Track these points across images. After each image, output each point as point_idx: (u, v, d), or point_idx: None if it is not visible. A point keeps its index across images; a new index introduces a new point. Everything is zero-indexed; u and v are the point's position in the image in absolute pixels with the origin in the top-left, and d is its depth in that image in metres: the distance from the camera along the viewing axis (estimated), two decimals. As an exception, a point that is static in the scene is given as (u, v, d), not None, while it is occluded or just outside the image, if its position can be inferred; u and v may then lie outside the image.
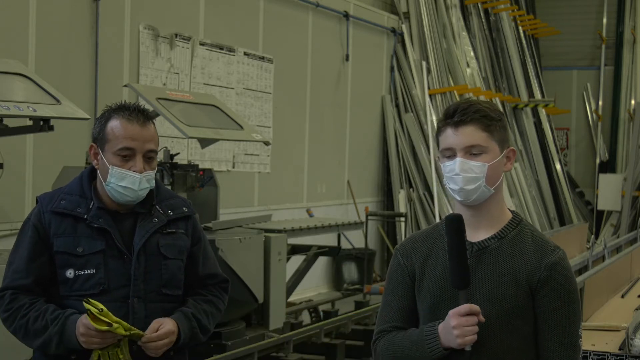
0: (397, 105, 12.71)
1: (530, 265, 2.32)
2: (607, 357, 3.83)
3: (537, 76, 15.94)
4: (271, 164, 9.97)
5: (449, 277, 2.31)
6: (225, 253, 5.80)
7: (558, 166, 15.41)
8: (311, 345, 6.96)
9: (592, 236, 8.54)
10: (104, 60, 7.56)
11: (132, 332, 2.62)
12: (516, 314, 2.30)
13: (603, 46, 16.37)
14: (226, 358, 5.76)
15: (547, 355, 2.32)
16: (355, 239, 10.95)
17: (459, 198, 2.36)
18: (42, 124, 5.07)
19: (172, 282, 2.80)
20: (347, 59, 11.59)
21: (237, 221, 6.75)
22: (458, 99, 12.59)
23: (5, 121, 4.97)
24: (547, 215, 14.79)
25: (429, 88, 12.68)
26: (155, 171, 2.78)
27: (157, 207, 2.82)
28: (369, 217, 10.66)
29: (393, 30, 12.78)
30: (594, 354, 3.85)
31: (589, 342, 3.99)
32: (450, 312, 2.26)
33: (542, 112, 15.51)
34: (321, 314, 8.32)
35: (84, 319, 2.59)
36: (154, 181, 2.78)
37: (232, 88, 9.36)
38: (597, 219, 15.58)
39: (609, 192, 15.00)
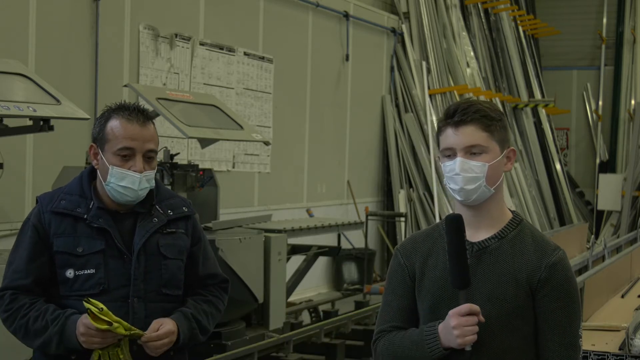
0: (397, 105, 12.71)
1: (531, 265, 2.32)
2: (607, 357, 3.83)
3: (537, 76, 15.95)
4: (271, 164, 9.97)
5: (449, 277, 2.31)
6: (225, 253, 5.80)
7: (558, 166, 15.41)
8: (311, 345, 6.96)
9: (592, 236, 8.54)
10: (104, 60, 7.56)
11: (132, 331, 2.62)
12: (516, 314, 2.30)
13: (603, 46, 16.37)
14: (226, 358, 5.76)
15: (547, 355, 2.32)
16: (355, 239, 10.95)
17: (459, 198, 2.36)
18: (42, 124, 5.07)
19: (172, 282, 2.80)
20: (347, 59, 11.59)
21: (237, 221, 6.74)
22: (458, 99, 12.59)
23: (5, 121, 4.97)
24: (547, 215, 14.79)
25: (429, 88, 12.68)
26: (155, 171, 2.78)
27: (157, 207, 2.82)
28: (369, 217, 10.65)
29: (393, 30, 12.78)
30: (594, 354, 3.84)
31: (589, 342, 3.99)
32: (451, 312, 2.26)
33: (542, 112, 15.51)
34: (321, 314, 8.32)
35: (84, 319, 2.59)
36: (153, 181, 2.78)
37: (232, 88, 9.36)
38: (597, 219, 15.58)
39: (609, 192, 15.00)
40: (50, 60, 7.04)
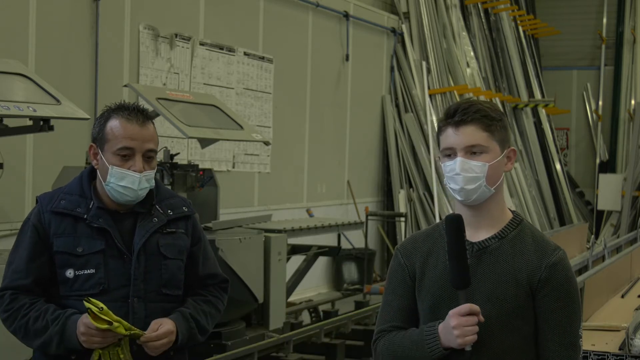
0: (397, 105, 12.71)
1: (531, 265, 2.32)
2: (607, 357, 3.83)
3: (537, 76, 15.95)
4: (271, 164, 9.97)
5: (449, 277, 2.31)
6: (225, 253, 5.80)
7: (558, 166, 15.41)
8: (311, 345, 6.96)
9: (592, 236, 8.54)
10: (104, 60, 7.56)
11: (132, 331, 2.62)
12: (516, 314, 2.30)
13: (603, 46, 16.37)
14: (226, 358, 5.75)
15: (547, 355, 2.32)
16: (355, 239, 10.95)
17: (459, 198, 2.36)
18: (42, 124, 5.07)
19: (172, 282, 2.80)
20: (347, 59, 11.59)
21: (237, 221, 6.74)
22: (458, 99, 12.59)
23: (5, 121, 4.97)
24: (547, 215, 14.79)
25: (429, 88, 12.68)
26: (154, 171, 2.78)
27: (157, 206, 2.82)
28: (369, 217, 10.65)
29: (393, 30, 12.78)
30: (594, 354, 3.84)
31: (589, 342, 3.99)
32: (451, 312, 2.26)
33: (542, 112, 15.51)
34: (321, 314, 8.32)
35: (85, 319, 2.59)
36: (153, 181, 2.78)
37: (232, 88, 9.35)
38: (597, 219, 15.58)
39: (609, 192, 15.00)
40: (50, 60, 7.04)
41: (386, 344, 2.40)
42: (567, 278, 2.33)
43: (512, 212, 2.44)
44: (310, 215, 10.39)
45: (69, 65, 7.27)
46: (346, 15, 11.50)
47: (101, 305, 2.56)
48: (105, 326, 2.56)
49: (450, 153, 2.35)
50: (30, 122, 5.19)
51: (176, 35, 8.43)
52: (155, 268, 2.76)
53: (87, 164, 5.56)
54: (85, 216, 2.73)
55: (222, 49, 9.14)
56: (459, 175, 2.32)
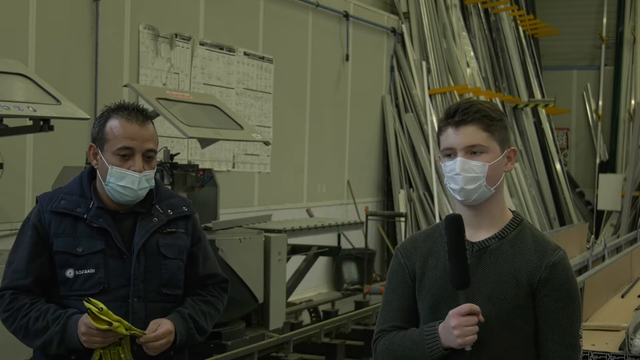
0: (397, 105, 12.71)
1: (531, 265, 2.32)
2: (607, 357, 3.83)
3: (537, 76, 15.95)
4: (271, 164, 9.97)
5: (449, 277, 2.31)
6: (225, 253, 5.79)
7: (558, 166, 15.41)
8: (311, 345, 6.96)
9: (592, 236, 8.54)
10: (104, 60, 7.56)
11: (132, 331, 2.62)
12: (516, 314, 2.30)
13: (603, 46, 16.37)
14: (226, 358, 5.75)
15: (547, 355, 2.32)
16: (355, 239, 10.95)
17: (459, 198, 2.36)
18: (42, 124, 5.07)
19: (172, 282, 2.80)
20: (347, 59, 11.59)
21: (237, 221, 6.74)
22: (458, 99, 12.59)
23: (5, 121, 4.97)
24: (547, 215, 14.79)
25: (429, 88, 12.68)
26: (154, 171, 2.77)
27: (157, 206, 2.81)
28: (369, 217, 10.65)
29: (393, 30, 12.78)
30: (594, 354, 3.84)
31: (589, 342, 3.99)
32: (451, 312, 2.26)
33: (542, 112, 15.51)
34: (321, 314, 8.32)
35: (85, 319, 2.59)
36: (153, 181, 2.77)
37: (232, 88, 9.35)
38: (597, 219, 15.58)
39: (609, 192, 15.00)
40: (50, 60, 7.04)
41: (386, 344, 2.40)
42: (567, 278, 2.33)
43: (513, 212, 2.44)
44: (310, 215, 10.39)
45: (69, 65, 7.27)
46: (346, 15, 11.50)
47: (101, 305, 2.56)
48: (105, 327, 2.55)
49: (450, 153, 2.36)
50: (30, 122, 5.19)
51: (176, 35, 8.43)
52: (155, 268, 2.76)
53: (87, 164, 5.56)
54: (85, 216, 2.72)
55: (222, 49, 9.14)
56: (459, 175, 2.32)
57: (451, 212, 2.48)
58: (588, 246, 8.82)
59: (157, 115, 5.80)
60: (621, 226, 14.68)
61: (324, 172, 11.17)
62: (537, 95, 15.64)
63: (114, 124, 2.71)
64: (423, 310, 2.39)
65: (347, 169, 11.74)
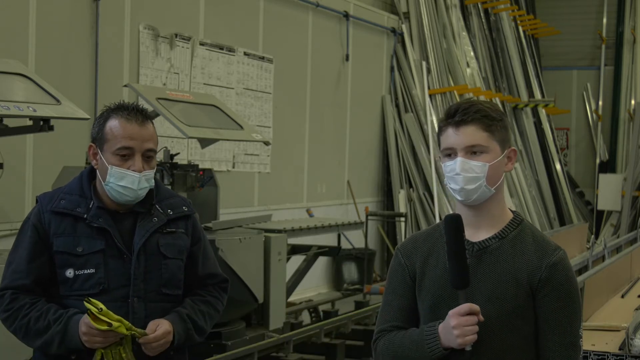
0: (397, 105, 12.71)
1: (531, 265, 2.32)
2: (607, 357, 3.83)
3: (537, 76, 15.95)
4: (271, 164, 9.97)
5: (448, 277, 2.31)
6: (225, 253, 5.79)
7: (558, 166, 15.41)
8: (311, 345, 6.96)
9: (592, 236, 8.54)
10: (104, 60, 7.56)
11: (132, 331, 2.62)
12: (516, 314, 2.30)
13: (603, 46, 16.37)
14: (226, 358, 5.75)
15: (547, 355, 2.32)
16: (355, 239, 10.95)
17: (459, 198, 2.36)
18: (42, 124, 5.07)
19: (172, 282, 2.80)
20: (347, 59, 11.59)
21: (237, 221, 6.74)
22: (458, 99, 12.59)
23: (5, 121, 4.96)
24: (547, 215, 14.79)
25: (429, 88, 12.68)
26: (154, 170, 2.77)
27: (157, 206, 2.81)
28: (369, 217, 10.65)
29: (393, 30, 12.78)
30: (594, 354, 3.84)
31: (589, 342, 3.99)
32: (450, 312, 2.26)
33: (542, 112, 15.51)
34: (321, 314, 8.32)
35: (86, 319, 2.59)
36: (153, 181, 2.77)
37: (232, 88, 9.35)
38: (597, 219, 15.58)
39: (609, 192, 15.00)
40: (50, 60, 7.04)
41: (386, 344, 2.40)
42: (567, 278, 2.33)
43: (513, 212, 2.44)
44: (310, 215, 10.39)
45: (69, 65, 7.27)
46: (346, 15, 11.50)
47: (101, 305, 2.56)
48: (104, 327, 2.55)
49: (450, 153, 2.36)
50: (30, 122, 5.19)
51: (176, 35, 8.43)
52: (155, 268, 2.76)
53: (87, 164, 5.56)
54: (85, 216, 2.72)
55: (222, 49, 9.14)
56: (459, 175, 2.32)
57: (451, 212, 2.48)
58: (588, 246, 8.82)
59: (157, 115, 5.80)
60: (621, 226, 14.68)
61: (324, 172, 11.17)
62: (537, 95, 15.64)
63: (113, 124, 2.71)
64: (423, 310, 2.39)
65: (347, 169, 11.74)
